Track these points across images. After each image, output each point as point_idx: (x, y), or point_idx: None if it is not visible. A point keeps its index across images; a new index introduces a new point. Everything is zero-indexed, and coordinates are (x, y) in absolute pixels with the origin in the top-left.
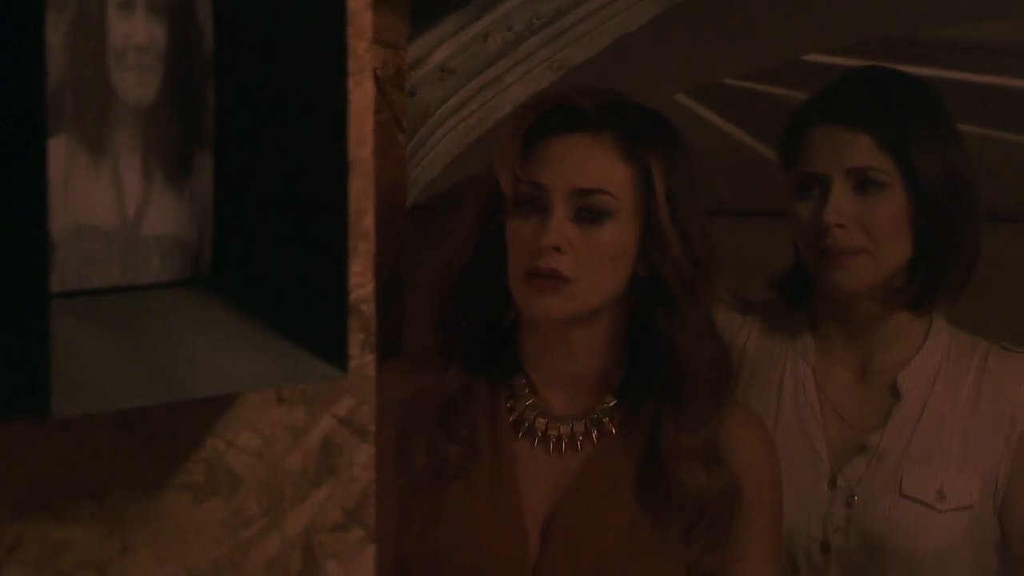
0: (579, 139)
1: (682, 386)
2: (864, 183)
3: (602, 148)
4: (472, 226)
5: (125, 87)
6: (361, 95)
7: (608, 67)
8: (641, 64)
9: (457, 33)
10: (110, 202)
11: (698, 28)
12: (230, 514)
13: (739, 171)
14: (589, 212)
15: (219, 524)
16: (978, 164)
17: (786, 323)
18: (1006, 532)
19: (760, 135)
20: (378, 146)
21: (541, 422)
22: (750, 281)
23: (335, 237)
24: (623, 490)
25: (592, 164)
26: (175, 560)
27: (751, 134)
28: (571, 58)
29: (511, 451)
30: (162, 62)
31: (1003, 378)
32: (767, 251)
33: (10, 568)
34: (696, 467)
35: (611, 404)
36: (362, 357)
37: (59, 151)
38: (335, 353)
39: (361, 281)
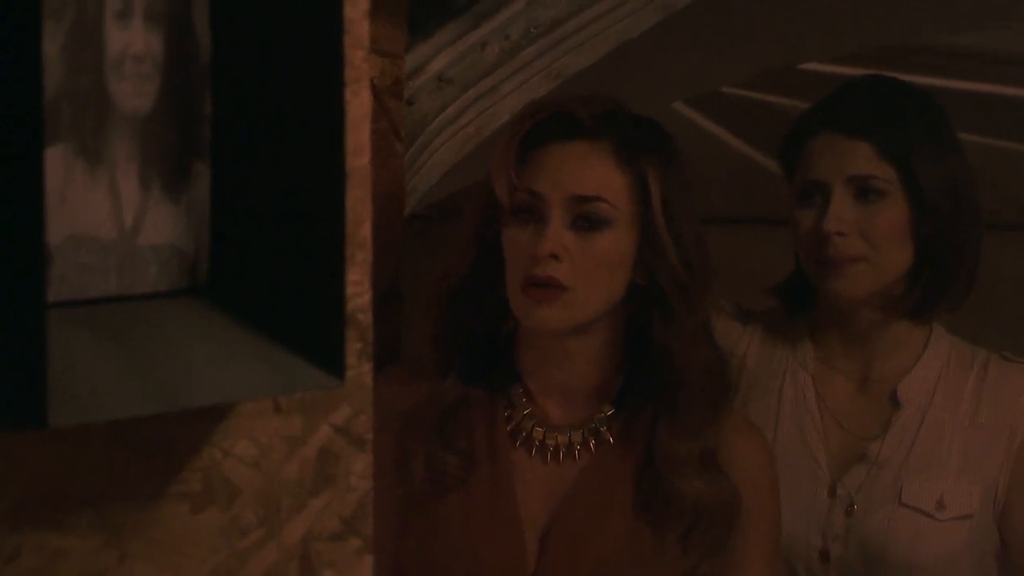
0: (575, 147)
1: (678, 393)
2: (865, 191)
3: (599, 156)
4: (470, 236)
5: (122, 97)
6: (358, 105)
7: (606, 76)
8: (639, 72)
9: (455, 42)
10: (107, 212)
11: (697, 35)
12: (227, 523)
13: (735, 179)
14: (586, 220)
15: (216, 533)
16: (980, 174)
17: (786, 332)
18: (1006, 541)
19: (756, 143)
20: (376, 155)
21: (539, 431)
22: (745, 289)
23: (332, 246)
24: (621, 498)
25: (589, 172)
26: (172, 569)
27: (747, 142)
28: (569, 67)
29: (509, 461)
30: (159, 72)
31: (1003, 388)
32: (762, 259)
33: None
34: (692, 475)
35: (609, 413)
36: (359, 366)
37: (56, 161)
38: (332, 362)
39: (358, 290)
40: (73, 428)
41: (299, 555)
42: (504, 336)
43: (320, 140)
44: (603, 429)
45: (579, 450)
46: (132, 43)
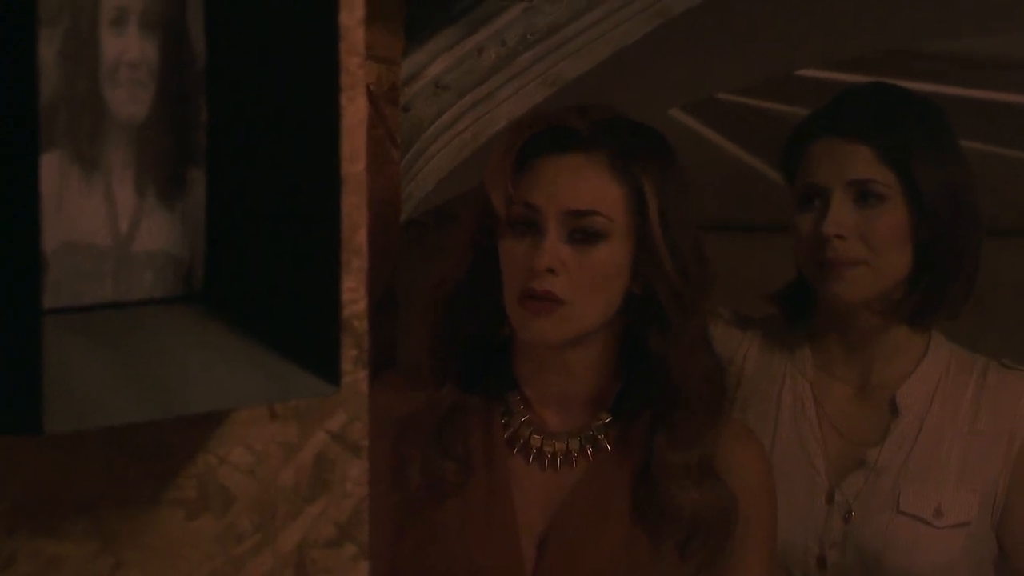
0: (571, 160)
1: (675, 401)
2: (864, 195)
3: (595, 168)
4: (466, 242)
5: (118, 103)
6: (354, 111)
7: (603, 82)
8: (636, 78)
9: (451, 48)
10: (103, 218)
11: (694, 41)
12: (223, 530)
13: (732, 186)
14: (583, 233)
15: (212, 540)
16: (979, 179)
17: (785, 339)
18: (1005, 548)
19: (753, 149)
20: (372, 162)
21: (536, 439)
22: (742, 296)
23: (328, 253)
24: (618, 506)
25: (585, 185)
26: None
27: (744, 148)
28: (565, 73)
29: (506, 467)
30: (155, 78)
31: (1002, 395)
32: (760, 266)
33: None
34: (690, 484)
35: (606, 421)
36: (355, 373)
37: (52, 167)
38: (328, 369)
39: (354, 297)
40: (68, 434)
41: (295, 562)
42: (501, 342)
43: (316, 146)
44: (600, 437)
45: (576, 458)
46: (127, 50)
